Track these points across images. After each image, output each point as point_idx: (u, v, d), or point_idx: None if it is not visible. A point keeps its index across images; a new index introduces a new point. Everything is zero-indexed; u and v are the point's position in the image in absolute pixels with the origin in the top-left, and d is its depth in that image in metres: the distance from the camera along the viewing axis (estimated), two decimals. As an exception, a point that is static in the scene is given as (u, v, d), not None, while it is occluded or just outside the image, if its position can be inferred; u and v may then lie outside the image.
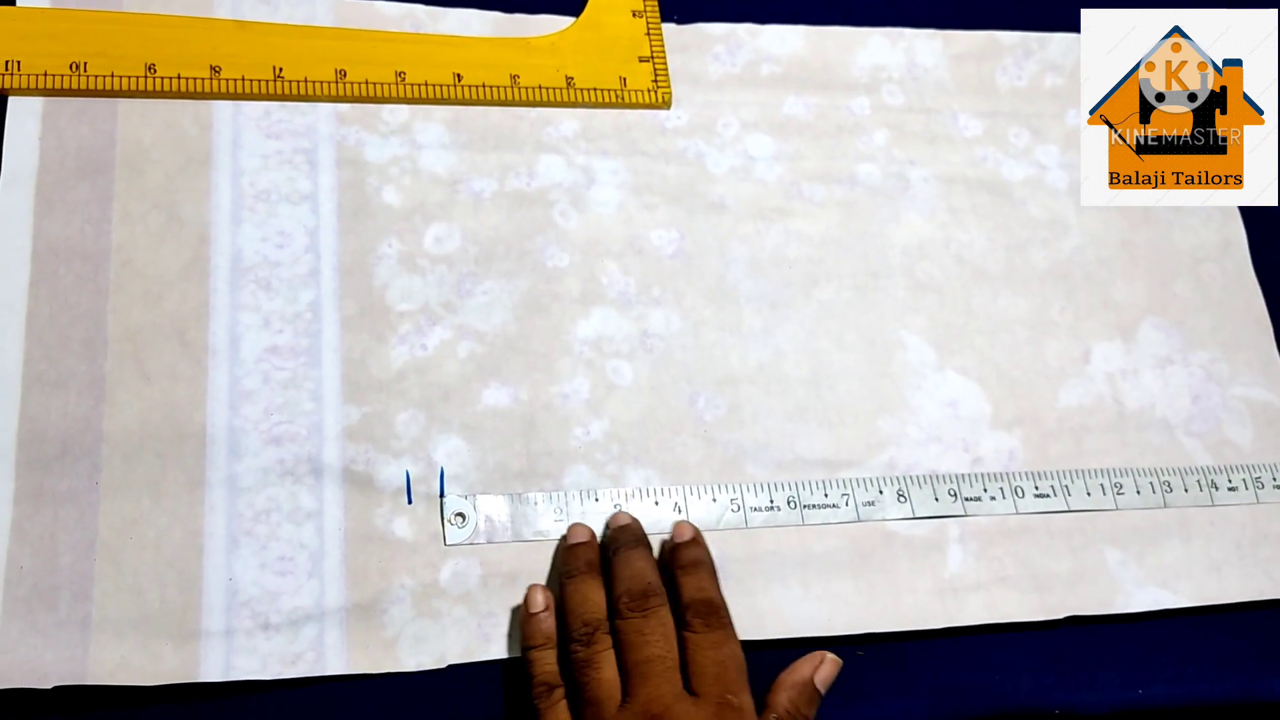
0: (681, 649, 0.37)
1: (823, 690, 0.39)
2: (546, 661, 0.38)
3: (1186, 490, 0.46)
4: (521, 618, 0.39)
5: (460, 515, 0.41)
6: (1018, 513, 0.45)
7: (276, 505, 0.40)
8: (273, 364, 0.41)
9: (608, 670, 0.37)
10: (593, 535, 0.41)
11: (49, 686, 0.35)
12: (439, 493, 0.41)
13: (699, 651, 0.37)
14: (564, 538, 0.41)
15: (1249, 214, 0.53)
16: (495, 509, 0.41)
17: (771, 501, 0.43)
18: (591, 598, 0.39)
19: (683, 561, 0.40)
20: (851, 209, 0.49)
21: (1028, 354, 0.48)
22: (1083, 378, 0.48)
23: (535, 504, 0.42)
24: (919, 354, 0.47)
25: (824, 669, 0.39)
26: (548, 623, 0.39)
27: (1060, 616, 0.43)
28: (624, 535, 0.40)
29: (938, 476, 0.45)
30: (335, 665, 0.38)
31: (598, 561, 0.40)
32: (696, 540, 0.41)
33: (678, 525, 0.41)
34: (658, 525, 0.42)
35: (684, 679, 0.37)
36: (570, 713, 0.37)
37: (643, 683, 0.36)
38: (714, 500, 0.43)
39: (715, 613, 0.38)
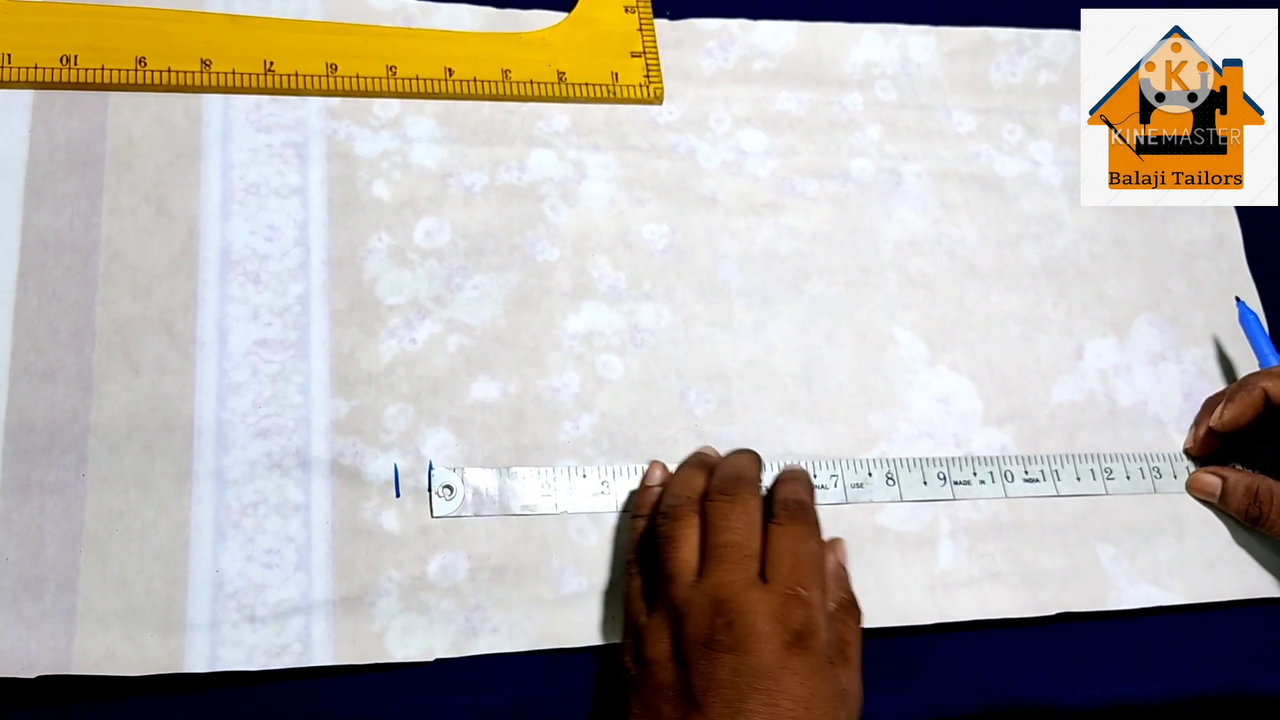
0: (765, 540, 0.38)
1: (847, 566, 0.41)
2: (640, 532, 0.40)
3: (1176, 477, 0.46)
4: (638, 488, 0.42)
5: (448, 487, 0.41)
6: (1007, 497, 0.45)
7: (264, 498, 0.39)
8: (261, 357, 0.41)
9: (686, 550, 0.37)
10: (719, 455, 0.42)
11: (33, 676, 0.35)
12: (428, 466, 0.41)
13: (779, 542, 0.37)
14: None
15: (1243, 210, 0.53)
16: (483, 481, 0.41)
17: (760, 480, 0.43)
18: (691, 480, 0.40)
19: (784, 476, 0.41)
20: (844, 204, 0.49)
21: (1020, 350, 0.48)
22: (1075, 374, 0.48)
23: (523, 478, 0.42)
24: (910, 349, 0.47)
25: (839, 548, 0.41)
26: (655, 495, 0.40)
27: (1052, 613, 0.43)
28: (741, 449, 0.42)
29: (927, 460, 0.45)
30: (322, 657, 0.38)
31: (712, 466, 0.41)
32: (802, 471, 0.42)
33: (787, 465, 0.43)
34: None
35: (763, 568, 0.37)
36: (647, 585, 0.38)
37: (717, 566, 0.36)
38: None
39: (803, 511, 0.39)
